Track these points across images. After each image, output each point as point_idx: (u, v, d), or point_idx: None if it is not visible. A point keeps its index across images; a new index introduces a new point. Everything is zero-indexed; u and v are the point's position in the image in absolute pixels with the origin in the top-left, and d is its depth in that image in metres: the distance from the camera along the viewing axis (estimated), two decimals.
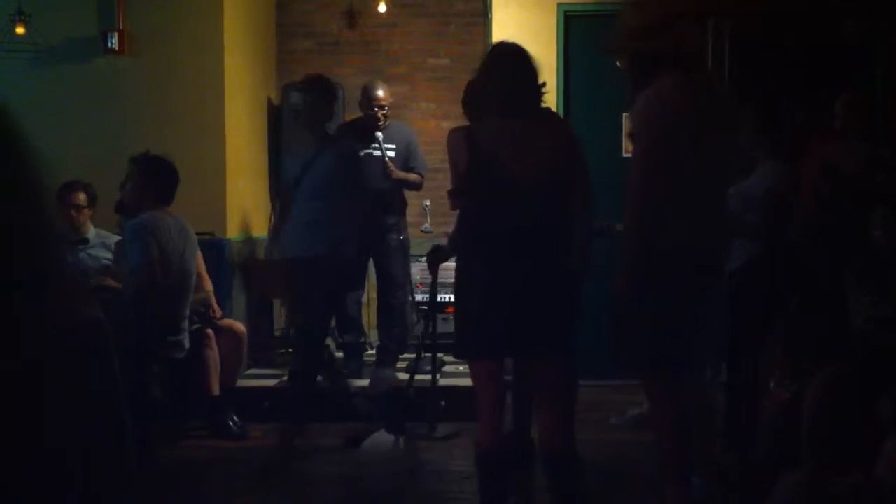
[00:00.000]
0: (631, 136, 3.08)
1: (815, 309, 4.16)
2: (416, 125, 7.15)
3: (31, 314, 0.84)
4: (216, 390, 4.94)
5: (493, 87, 3.18)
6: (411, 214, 6.99)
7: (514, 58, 3.20)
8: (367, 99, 5.63)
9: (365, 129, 5.65)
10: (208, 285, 5.32)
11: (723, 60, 6.38)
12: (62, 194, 5.07)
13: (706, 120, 3.09)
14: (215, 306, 5.20)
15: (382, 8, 6.90)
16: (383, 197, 5.64)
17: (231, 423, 4.94)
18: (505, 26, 6.52)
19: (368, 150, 5.62)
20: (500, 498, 3.26)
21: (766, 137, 4.32)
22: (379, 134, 5.57)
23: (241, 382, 5.44)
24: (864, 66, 6.32)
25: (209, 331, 4.99)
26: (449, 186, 3.38)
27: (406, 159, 5.71)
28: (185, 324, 4.74)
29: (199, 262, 5.20)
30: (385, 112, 5.60)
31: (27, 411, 0.84)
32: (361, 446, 4.78)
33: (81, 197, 5.16)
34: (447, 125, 6.80)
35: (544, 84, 3.24)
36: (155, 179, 4.65)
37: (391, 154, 5.65)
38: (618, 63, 3.45)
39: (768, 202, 4.21)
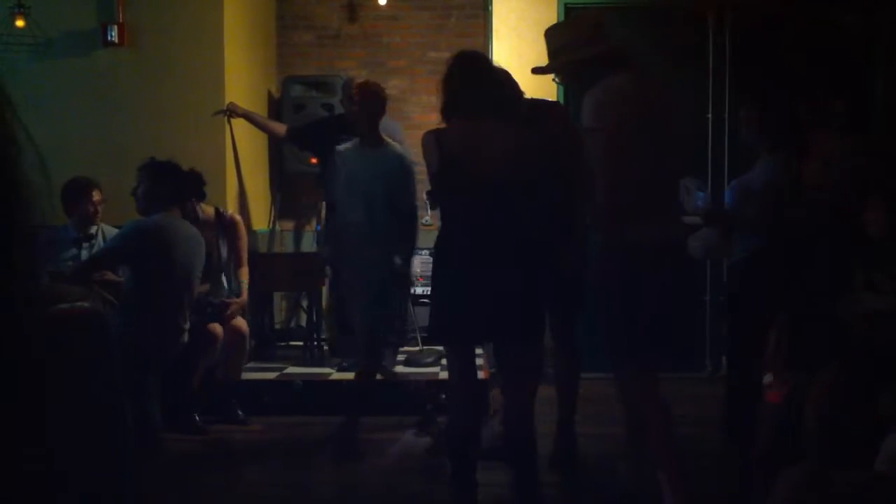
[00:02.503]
0: (584, 131, 3.24)
1: (816, 304, 4.16)
2: (416, 119, 7.14)
3: (28, 308, 0.83)
4: (195, 385, 4.96)
5: (458, 92, 3.34)
6: None
7: (475, 64, 3.39)
8: (350, 95, 5.61)
9: (349, 124, 5.63)
10: (244, 276, 5.34)
11: (723, 54, 6.38)
12: (77, 193, 5.06)
13: (654, 113, 3.23)
14: (235, 312, 5.19)
15: (383, 1, 6.88)
16: None
17: (198, 424, 4.95)
18: (505, 19, 6.51)
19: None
20: (470, 472, 3.43)
21: (766, 131, 4.31)
22: None
23: (242, 375, 5.42)
24: (865, 59, 6.31)
25: (216, 326, 4.97)
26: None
27: None
28: (186, 325, 4.73)
29: (241, 242, 5.31)
30: None
31: (25, 405, 0.83)
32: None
33: (97, 196, 5.15)
34: None
35: (515, 86, 3.51)
36: (161, 184, 4.67)
37: None
38: (554, 80, 3.76)
39: (768, 195, 4.20)
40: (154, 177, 4.68)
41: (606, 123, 3.13)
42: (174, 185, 4.70)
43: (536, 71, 3.50)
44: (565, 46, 3.38)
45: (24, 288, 0.82)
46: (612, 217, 3.14)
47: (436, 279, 3.45)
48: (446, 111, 3.39)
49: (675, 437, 3.30)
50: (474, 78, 3.34)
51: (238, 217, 5.45)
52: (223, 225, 5.29)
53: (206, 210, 5.24)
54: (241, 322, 5.20)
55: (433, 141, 3.32)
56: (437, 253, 3.43)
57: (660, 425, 3.26)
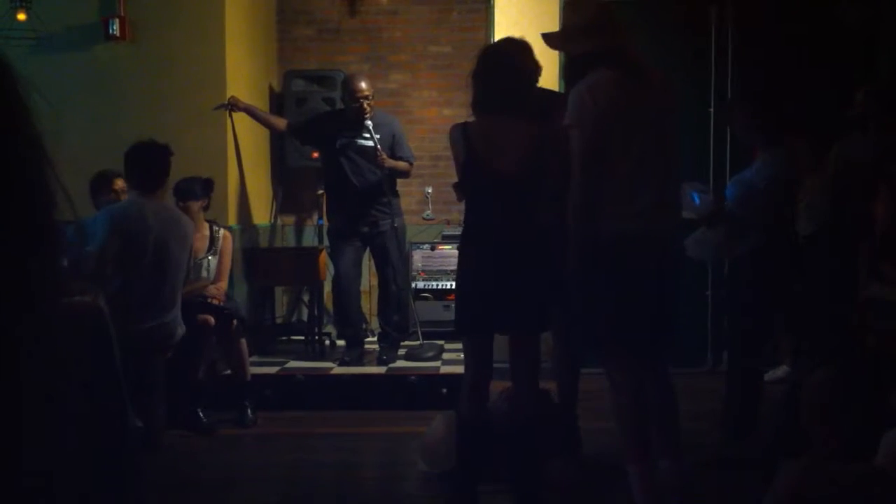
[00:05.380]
0: (566, 128, 3.28)
1: (820, 298, 4.16)
2: (417, 113, 7.15)
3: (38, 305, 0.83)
4: (198, 379, 4.97)
5: (482, 88, 3.39)
6: (413, 202, 7.00)
7: (499, 59, 3.41)
8: (351, 91, 5.62)
9: (350, 119, 5.65)
10: (223, 285, 5.34)
11: (725, 47, 6.37)
12: (101, 183, 5.09)
13: (639, 113, 3.25)
14: (213, 294, 5.19)
15: None
16: (375, 185, 5.65)
17: (203, 422, 4.94)
18: (506, 13, 6.50)
19: (358, 140, 5.64)
20: (476, 461, 3.49)
21: (762, 125, 4.31)
22: (369, 123, 5.56)
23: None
24: (867, 55, 6.31)
25: (209, 317, 4.97)
26: (452, 176, 3.59)
27: (392, 148, 5.72)
28: (174, 308, 4.66)
29: (225, 258, 5.32)
30: (370, 102, 5.60)
31: (26, 402, 0.83)
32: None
33: (119, 183, 5.13)
34: (449, 113, 6.81)
35: (534, 82, 3.49)
36: (135, 167, 4.63)
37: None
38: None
39: (774, 191, 4.20)
40: (130, 160, 4.64)
41: (583, 122, 3.20)
42: (147, 171, 4.61)
43: (547, 39, 3.50)
44: (566, 29, 3.40)
45: (44, 285, 0.82)
46: (582, 212, 3.22)
47: (460, 271, 3.50)
48: (474, 105, 3.45)
49: (647, 434, 3.35)
50: (497, 74, 3.37)
51: (229, 234, 5.45)
52: (213, 240, 5.30)
53: (202, 222, 5.29)
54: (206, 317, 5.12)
55: (460, 134, 3.38)
56: (462, 245, 3.50)
57: (627, 417, 3.33)
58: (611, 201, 3.23)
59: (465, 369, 3.54)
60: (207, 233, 5.31)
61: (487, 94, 3.38)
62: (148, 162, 4.61)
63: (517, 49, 3.44)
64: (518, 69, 3.41)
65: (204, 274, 5.23)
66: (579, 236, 3.23)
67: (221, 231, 5.39)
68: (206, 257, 5.27)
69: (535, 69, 3.54)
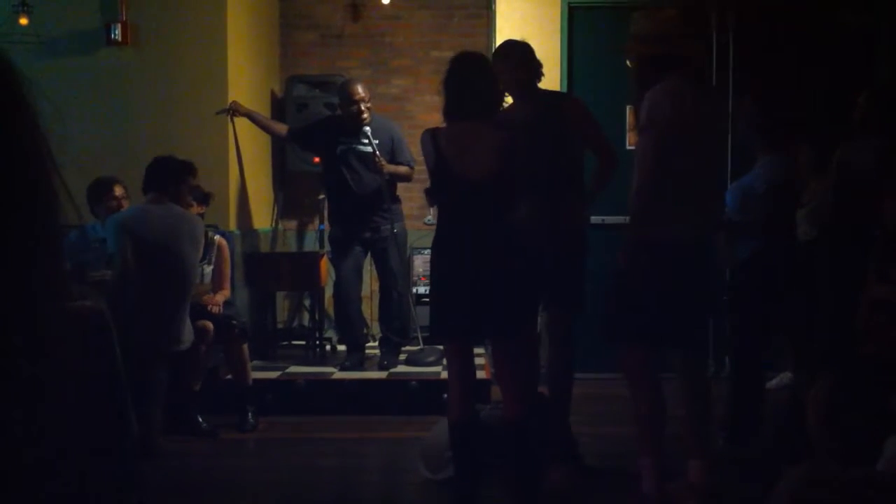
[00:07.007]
0: (638, 128, 3.42)
1: (822, 302, 4.15)
2: (419, 118, 7.15)
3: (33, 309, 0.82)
4: (196, 387, 4.96)
5: (453, 94, 3.46)
6: (415, 207, 7.00)
7: (470, 67, 3.48)
8: (348, 95, 5.61)
9: (349, 125, 5.64)
10: (226, 293, 5.33)
11: (726, 54, 6.37)
12: (100, 191, 5.08)
13: (703, 122, 3.39)
14: (212, 304, 5.17)
15: (386, 0, 6.88)
16: (375, 191, 5.65)
17: (202, 426, 4.94)
18: (508, 18, 6.50)
19: (357, 147, 5.63)
20: (472, 466, 3.50)
21: (763, 130, 4.31)
22: (367, 128, 5.56)
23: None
24: (866, 59, 6.31)
25: (208, 323, 4.95)
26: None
27: (392, 153, 5.71)
28: (182, 315, 4.66)
29: (224, 265, 5.32)
30: (367, 105, 5.60)
31: (30, 405, 0.83)
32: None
33: (119, 190, 5.14)
34: None
35: (501, 90, 3.59)
36: (153, 171, 4.70)
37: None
38: (627, 62, 3.75)
39: (773, 195, 4.20)
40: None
41: (658, 124, 3.30)
42: (149, 175, 4.69)
43: (624, 52, 3.63)
44: (642, 36, 3.50)
45: (46, 287, 0.82)
46: (643, 213, 3.31)
47: (432, 277, 3.55)
48: (445, 112, 3.50)
49: (662, 432, 3.45)
50: (468, 81, 3.43)
51: (223, 241, 5.42)
52: (208, 247, 5.29)
53: None
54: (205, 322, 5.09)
55: (429, 139, 3.43)
56: (433, 251, 3.55)
57: (646, 411, 3.43)
58: (665, 205, 3.32)
59: (448, 375, 3.58)
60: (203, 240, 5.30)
61: (456, 100, 3.43)
62: (166, 167, 4.71)
63: (485, 58, 3.55)
64: (486, 76, 3.47)
65: (198, 282, 5.22)
66: (634, 237, 3.32)
67: (216, 237, 5.37)
68: (202, 266, 5.26)
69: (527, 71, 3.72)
